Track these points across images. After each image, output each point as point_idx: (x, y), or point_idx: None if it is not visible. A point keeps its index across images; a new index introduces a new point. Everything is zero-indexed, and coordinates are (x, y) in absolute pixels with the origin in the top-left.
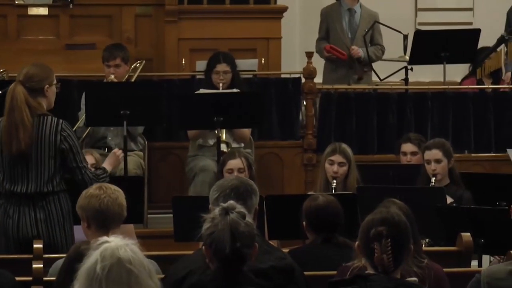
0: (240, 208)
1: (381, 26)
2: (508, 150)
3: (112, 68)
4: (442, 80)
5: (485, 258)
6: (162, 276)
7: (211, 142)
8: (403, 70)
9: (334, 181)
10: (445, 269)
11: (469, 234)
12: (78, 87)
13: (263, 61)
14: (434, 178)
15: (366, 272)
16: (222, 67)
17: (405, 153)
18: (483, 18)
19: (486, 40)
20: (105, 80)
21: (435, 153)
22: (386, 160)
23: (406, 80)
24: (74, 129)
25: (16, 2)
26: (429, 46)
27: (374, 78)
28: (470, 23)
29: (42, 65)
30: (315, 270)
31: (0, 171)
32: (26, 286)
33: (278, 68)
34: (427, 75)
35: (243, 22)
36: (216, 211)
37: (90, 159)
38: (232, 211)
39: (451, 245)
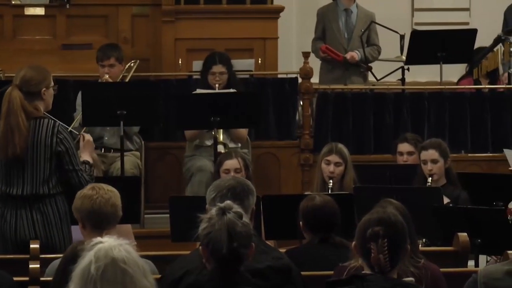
0: (237, 208)
1: (377, 26)
2: (504, 150)
3: (106, 68)
4: (439, 80)
5: (482, 258)
6: (159, 276)
7: (208, 142)
8: (400, 70)
9: (331, 181)
10: (441, 269)
11: (465, 234)
12: (75, 87)
13: (259, 61)
14: (430, 178)
15: (363, 272)
16: (218, 68)
17: (401, 153)
18: (479, 18)
19: (482, 40)
20: (99, 80)
21: (432, 153)
22: (382, 160)
23: (402, 80)
24: (69, 129)
25: (13, 2)
26: (426, 46)
27: (371, 78)
28: (467, 23)
29: (38, 68)
30: (312, 270)
31: None
32: (23, 286)
33: (275, 68)
34: (423, 75)
35: (239, 22)
36: (213, 211)
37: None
38: (229, 211)
39: (448, 245)
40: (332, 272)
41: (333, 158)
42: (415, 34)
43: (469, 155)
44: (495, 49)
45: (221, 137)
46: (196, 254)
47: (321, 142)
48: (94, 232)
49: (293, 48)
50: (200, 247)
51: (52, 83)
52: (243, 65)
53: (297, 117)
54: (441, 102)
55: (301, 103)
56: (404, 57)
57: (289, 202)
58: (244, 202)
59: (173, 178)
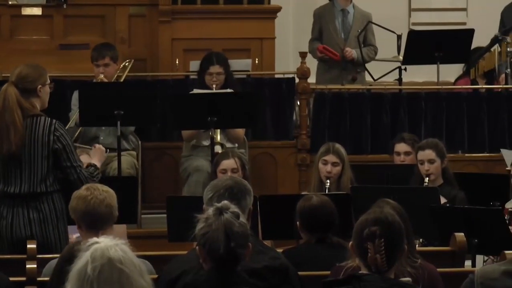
0: (234, 208)
1: (374, 26)
2: (501, 150)
3: (101, 68)
4: (436, 80)
5: (479, 258)
6: (156, 276)
7: (205, 142)
8: (397, 70)
9: (328, 181)
10: (439, 269)
11: (462, 234)
12: (72, 87)
13: (257, 61)
14: (427, 178)
15: (360, 272)
16: (215, 68)
17: (398, 153)
18: (476, 18)
19: (480, 40)
20: (94, 80)
21: (429, 153)
22: (379, 160)
23: (400, 80)
24: (67, 126)
25: (10, 2)
26: (423, 46)
27: (368, 78)
28: (464, 23)
29: (35, 65)
30: (309, 270)
31: None
32: (20, 286)
33: (272, 68)
34: (421, 75)
35: (236, 22)
36: (210, 211)
37: (85, 158)
38: (226, 211)
39: (445, 245)
40: (329, 272)
41: (330, 158)
42: (412, 34)
43: (466, 155)
44: (492, 49)
45: (218, 137)
46: (193, 254)
47: (318, 142)
48: (90, 233)
49: (290, 48)
50: (197, 247)
51: (48, 81)
52: (240, 65)
53: (294, 117)
54: (438, 102)
55: (298, 103)
56: (401, 57)
57: (286, 202)
58: (241, 202)
59: (170, 178)
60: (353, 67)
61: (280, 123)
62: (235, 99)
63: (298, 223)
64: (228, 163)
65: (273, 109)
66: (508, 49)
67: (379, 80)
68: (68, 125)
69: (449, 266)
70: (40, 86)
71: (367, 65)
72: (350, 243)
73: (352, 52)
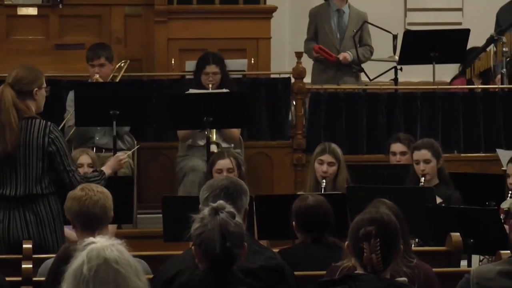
0: (229, 208)
1: (370, 26)
2: (497, 150)
3: (96, 68)
4: (431, 80)
5: (475, 258)
6: (151, 276)
7: (201, 142)
8: (393, 70)
9: (324, 181)
10: (434, 269)
11: (458, 234)
12: (67, 87)
13: (252, 61)
14: (423, 178)
15: (356, 272)
16: (211, 68)
17: (394, 153)
18: (472, 18)
19: (475, 40)
20: (89, 80)
21: (424, 153)
22: (375, 160)
23: (395, 80)
24: (60, 127)
25: (5, 2)
26: (419, 46)
27: (364, 78)
28: (460, 23)
29: (31, 68)
30: (305, 270)
31: None
32: (15, 286)
33: (268, 68)
34: (416, 75)
35: (232, 22)
36: (206, 211)
37: (86, 158)
38: (222, 211)
39: (441, 245)
40: (324, 272)
41: (326, 158)
42: (408, 34)
43: (462, 155)
44: (487, 49)
45: (214, 137)
46: (188, 254)
47: (314, 142)
48: (85, 233)
49: (286, 48)
50: (193, 247)
51: (45, 84)
52: (236, 65)
53: (290, 117)
54: (434, 102)
55: (294, 103)
56: (397, 57)
57: (282, 202)
58: (236, 202)
59: (165, 178)
60: (349, 68)
61: (276, 123)
62: (231, 99)
63: (293, 223)
64: (224, 163)
65: (269, 109)
66: (504, 49)
67: (374, 80)
68: (61, 125)
69: (444, 266)
70: (36, 89)
71: (363, 65)
72: (346, 243)
73: (347, 56)
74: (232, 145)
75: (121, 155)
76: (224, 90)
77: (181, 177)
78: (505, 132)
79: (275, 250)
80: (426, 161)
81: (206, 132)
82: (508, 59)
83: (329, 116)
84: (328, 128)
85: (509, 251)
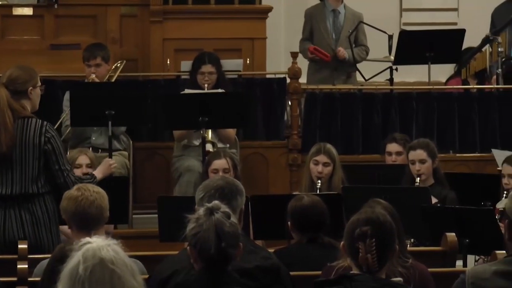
0: (224, 208)
1: (365, 26)
2: (492, 150)
3: (93, 68)
4: (427, 80)
5: (470, 258)
6: (147, 276)
7: (197, 142)
8: (388, 70)
9: (319, 181)
10: (430, 269)
11: (454, 234)
12: (63, 87)
13: (248, 61)
14: (418, 178)
15: (351, 272)
16: (207, 68)
17: (390, 153)
18: (468, 18)
19: (471, 40)
20: (85, 80)
21: (420, 153)
22: (371, 160)
23: (391, 80)
24: (56, 127)
25: (0, 2)
26: (414, 46)
27: (359, 78)
28: (455, 23)
29: (26, 67)
30: (300, 270)
31: None
32: (11, 286)
33: (263, 68)
34: (412, 75)
35: (228, 22)
36: (201, 211)
37: (84, 159)
38: (217, 211)
39: (436, 245)
40: (320, 272)
41: (321, 158)
42: (403, 34)
43: (457, 155)
44: (483, 50)
45: (209, 137)
46: (184, 254)
47: (309, 142)
48: (80, 233)
49: (281, 48)
50: (188, 247)
51: (39, 83)
52: (231, 65)
53: (285, 117)
54: (429, 102)
55: (289, 103)
56: (392, 57)
57: (278, 202)
58: (231, 203)
59: (161, 178)
60: (344, 68)
61: (271, 123)
62: (226, 99)
63: (289, 223)
64: (220, 163)
65: (264, 109)
66: (499, 49)
67: (370, 80)
68: (57, 125)
69: (440, 266)
70: (30, 88)
71: (358, 65)
72: (341, 243)
73: (344, 52)
74: (228, 145)
75: (110, 160)
76: (220, 90)
77: (176, 177)
78: (501, 132)
79: (271, 250)
80: (422, 161)
81: (201, 132)
82: (503, 59)
83: (324, 116)
84: (323, 128)
85: (504, 251)
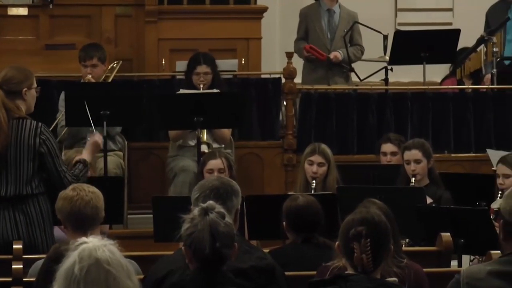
0: (219, 208)
1: (361, 26)
2: (487, 150)
3: (89, 68)
4: (422, 80)
5: (465, 258)
6: (142, 276)
7: (192, 142)
8: (383, 71)
9: (314, 181)
10: (425, 269)
11: (449, 234)
12: (58, 87)
13: (243, 61)
14: (413, 179)
15: (346, 272)
16: (202, 68)
17: (385, 153)
18: (463, 19)
19: (466, 40)
20: (82, 80)
21: (415, 154)
22: (366, 160)
23: (386, 80)
24: (51, 128)
25: None
26: (409, 46)
27: (354, 78)
28: (450, 24)
29: (21, 68)
30: (295, 270)
31: None
32: (6, 287)
33: (258, 69)
34: (407, 75)
35: (223, 22)
36: (196, 211)
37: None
38: (212, 211)
39: (431, 245)
40: (315, 272)
41: (316, 158)
42: (398, 34)
43: (452, 155)
44: (478, 50)
45: (204, 138)
46: (179, 254)
47: (304, 142)
48: (76, 233)
49: (276, 48)
50: (183, 247)
51: (35, 85)
52: (227, 65)
53: (280, 117)
54: (424, 102)
55: (285, 103)
56: (387, 57)
57: (273, 202)
58: (227, 203)
59: (156, 178)
60: (339, 67)
61: (266, 123)
62: (222, 99)
63: (284, 223)
64: (215, 163)
65: (259, 109)
66: (494, 49)
67: (365, 80)
68: (53, 125)
69: (435, 266)
70: (25, 89)
71: (353, 65)
72: (336, 243)
73: (338, 55)
74: (223, 145)
75: (95, 135)
76: (215, 91)
77: (171, 177)
78: (495, 132)
79: (266, 250)
80: (417, 161)
81: (196, 132)
82: (498, 59)
83: (319, 116)
84: (318, 128)
85: (499, 251)
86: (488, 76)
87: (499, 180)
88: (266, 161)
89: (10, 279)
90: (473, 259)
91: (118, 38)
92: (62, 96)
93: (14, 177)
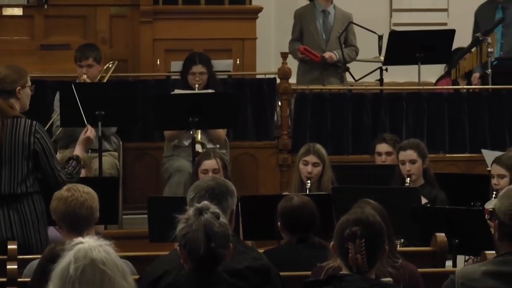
0: (214, 208)
1: (355, 27)
2: (482, 150)
3: (84, 68)
4: (417, 80)
5: (460, 259)
6: (137, 276)
7: (186, 142)
8: (378, 71)
9: (309, 181)
10: (419, 269)
11: (443, 234)
12: (53, 87)
13: (238, 62)
14: (408, 179)
15: (341, 272)
16: (197, 68)
17: (380, 154)
18: (457, 19)
19: (461, 40)
20: (77, 81)
21: (410, 154)
22: (361, 160)
23: (381, 80)
24: (46, 128)
25: None
26: (404, 46)
27: (349, 78)
28: (445, 24)
29: (15, 67)
30: (290, 270)
31: None
32: (0, 287)
33: (253, 69)
34: (402, 75)
35: (218, 23)
36: (190, 211)
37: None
38: (206, 212)
39: (426, 245)
40: (310, 273)
41: (311, 158)
42: (393, 34)
43: (447, 155)
44: (473, 50)
45: (199, 138)
46: (174, 254)
47: (299, 143)
48: (71, 234)
49: (271, 48)
50: (178, 247)
51: (29, 83)
52: (222, 65)
53: (275, 118)
54: (419, 103)
55: (279, 103)
56: (382, 58)
57: (267, 203)
58: (222, 203)
59: (151, 179)
60: (334, 68)
61: (261, 123)
62: (216, 100)
63: (279, 223)
64: (210, 164)
65: (254, 110)
66: (489, 50)
67: (360, 80)
68: (47, 125)
69: (430, 266)
70: (19, 88)
71: (348, 65)
72: (331, 243)
73: (332, 55)
74: (218, 145)
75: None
76: (210, 91)
77: (166, 177)
78: (490, 133)
79: (261, 250)
80: (412, 162)
81: (191, 133)
82: (493, 60)
83: (314, 117)
84: (313, 128)
85: (494, 252)
86: (476, 75)
87: (494, 181)
88: (261, 161)
89: (5, 279)
90: (468, 259)
91: (113, 38)
92: (57, 96)
93: (8, 176)
